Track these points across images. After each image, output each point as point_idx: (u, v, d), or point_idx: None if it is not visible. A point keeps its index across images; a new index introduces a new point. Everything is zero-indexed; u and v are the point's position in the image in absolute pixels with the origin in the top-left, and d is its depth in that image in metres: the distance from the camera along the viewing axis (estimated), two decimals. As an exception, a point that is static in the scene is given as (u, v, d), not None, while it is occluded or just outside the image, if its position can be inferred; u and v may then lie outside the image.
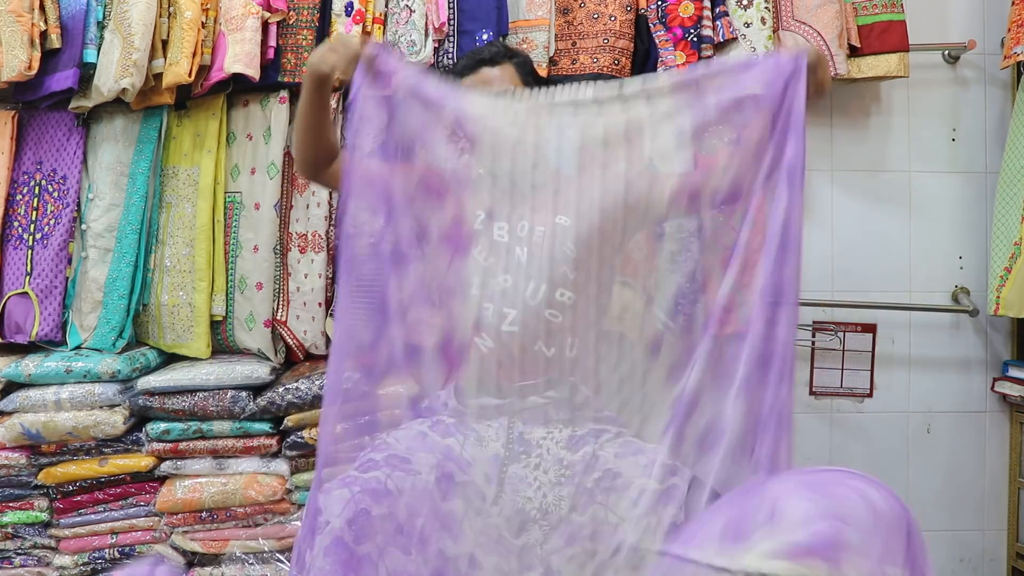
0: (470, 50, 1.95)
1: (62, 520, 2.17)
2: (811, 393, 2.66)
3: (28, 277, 2.33)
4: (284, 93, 2.35)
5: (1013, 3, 2.45)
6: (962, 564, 2.69)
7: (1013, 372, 2.56)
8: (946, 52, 2.67)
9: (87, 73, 2.24)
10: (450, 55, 2.27)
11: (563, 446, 1.61)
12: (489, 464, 1.60)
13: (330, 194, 2.32)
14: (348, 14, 2.28)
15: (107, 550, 2.16)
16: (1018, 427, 2.58)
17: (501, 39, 2.29)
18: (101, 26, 2.23)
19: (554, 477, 1.56)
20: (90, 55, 2.21)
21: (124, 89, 2.19)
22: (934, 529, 2.69)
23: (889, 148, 2.70)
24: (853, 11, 2.46)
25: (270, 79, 2.32)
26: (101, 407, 2.14)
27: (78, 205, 2.37)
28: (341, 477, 1.53)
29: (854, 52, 2.46)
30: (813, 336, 2.63)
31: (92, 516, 2.16)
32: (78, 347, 2.31)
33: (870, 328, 2.65)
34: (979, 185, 2.69)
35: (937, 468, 2.70)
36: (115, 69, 2.18)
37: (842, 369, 2.64)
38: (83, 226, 2.37)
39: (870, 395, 2.64)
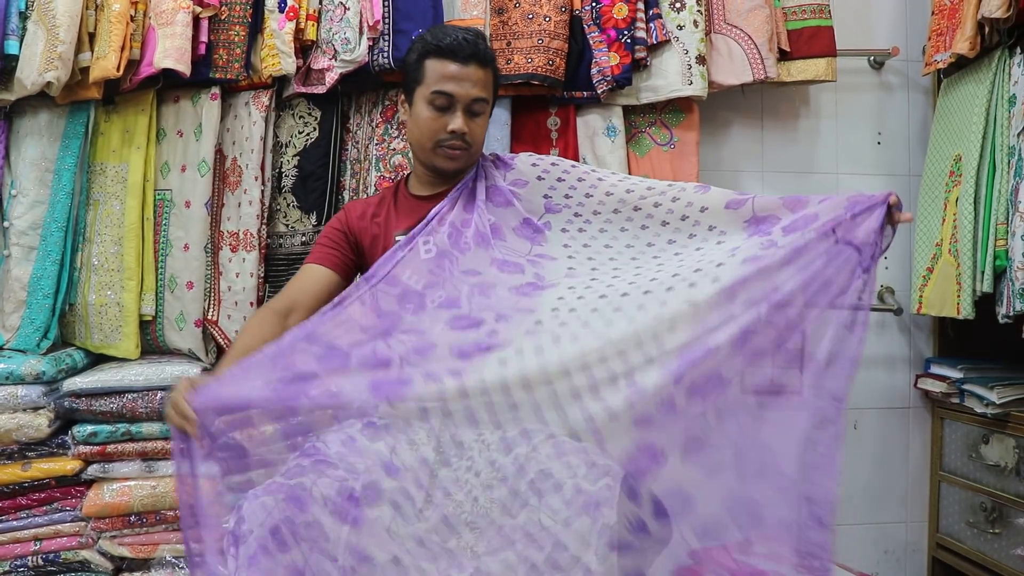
0: (440, 25, 1.94)
1: (-18, 527, 2.10)
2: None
3: (-53, 276, 2.26)
4: (216, 90, 2.31)
5: (933, 13, 2.54)
6: (886, 555, 2.77)
7: (935, 369, 2.64)
8: (871, 58, 2.74)
9: (9, 65, 2.17)
10: (385, 54, 2.26)
11: (495, 448, 1.61)
12: (419, 468, 1.59)
13: (262, 193, 2.30)
14: (281, 10, 2.26)
15: (30, 557, 2.10)
16: (939, 422, 2.66)
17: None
18: (24, 17, 2.17)
19: (486, 480, 1.55)
20: (11, 47, 2.14)
21: (49, 83, 2.13)
22: (860, 522, 2.77)
23: (818, 150, 2.77)
24: (783, 16, 2.52)
25: (201, 75, 2.28)
26: (24, 410, 2.07)
27: (0, 202, 2.31)
28: (267, 483, 1.51)
29: (784, 56, 2.51)
30: (744, 334, 2.68)
31: (14, 523, 2.10)
32: (0, 348, 2.25)
33: (799, 327, 2.70)
34: (903, 187, 2.76)
35: (863, 463, 2.78)
36: (39, 62, 2.12)
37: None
38: (5, 223, 2.30)
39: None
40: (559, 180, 1.78)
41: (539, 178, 1.78)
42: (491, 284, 1.62)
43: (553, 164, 1.81)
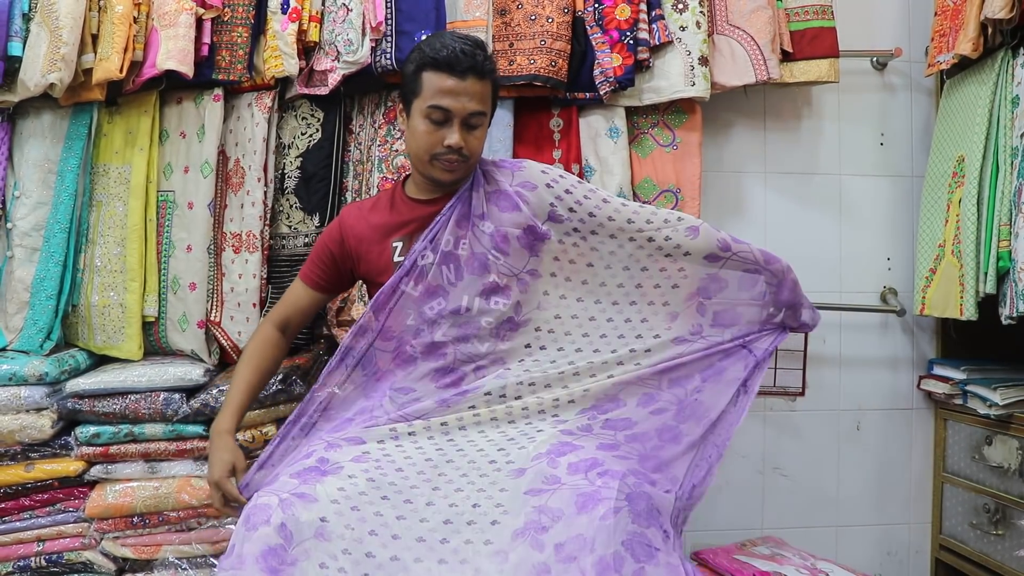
0: (439, 33, 1.88)
1: (-15, 528, 2.10)
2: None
3: (-50, 277, 2.27)
4: (218, 91, 2.31)
5: (936, 14, 2.54)
6: (889, 557, 2.77)
7: (938, 370, 2.64)
8: (874, 59, 2.74)
9: (12, 67, 2.17)
10: (387, 55, 2.26)
11: (496, 447, 1.62)
12: (421, 467, 1.60)
13: (264, 194, 2.30)
14: (284, 11, 2.26)
15: (33, 558, 2.10)
16: (942, 423, 2.66)
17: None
18: (27, 18, 2.17)
19: (488, 479, 1.56)
20: (15, 48, 2.15)
21: (52, 84, 2.13)
22: (863, 524, 2.77)
23: (820, 151, 2.76)
24: (786, 17, 2.52)
25: (204, 76, 2.28)
26: (27, 411, 2.08)
27: (3, 203, 2.31)
28: (270, 481, 1.53)
29: (787, 57, 2.51)
30: (747, 336, 2.68)
31: (17, 524, 2.10)
32: (3, 349, 2.25)
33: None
34: (906, 188, 2.77)
35: (866, 464, 2.77)
36: (42, 63, 2.13)
37: (775, 368, 2.68)
38: (8, 224, 2.30)
39: (802, 394, 2.69)
40: (567, 192, 1.78)
41: (548, 185, 1.78)
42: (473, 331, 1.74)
43: (561, 176, 1.82)
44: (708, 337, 1.76)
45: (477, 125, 1.73)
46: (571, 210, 1.77)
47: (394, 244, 1.81)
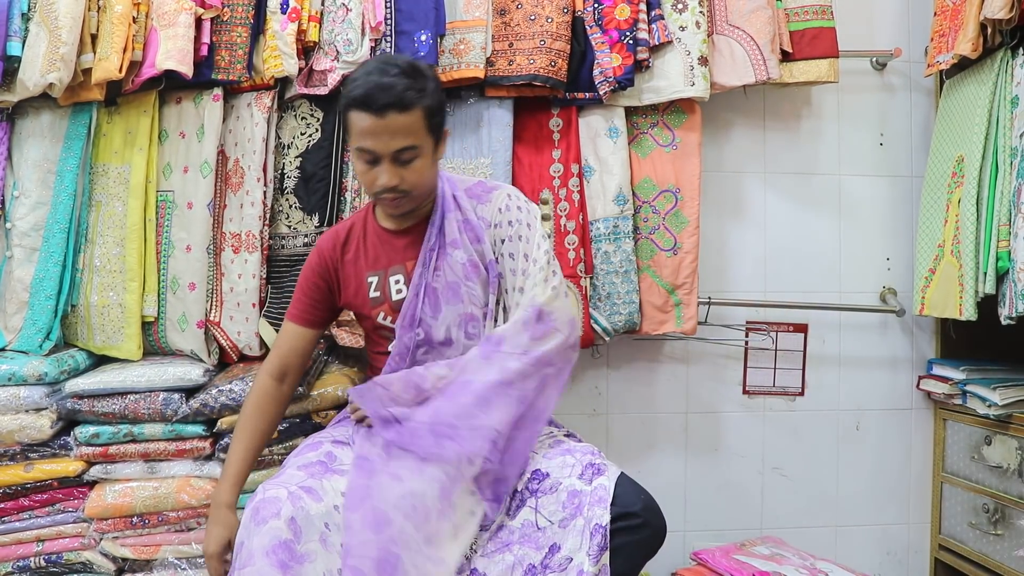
0: (368, 63, 1.67)
1: (-16, 529, 2.10)
2: (744, 392, 2.71)
3: (-51, 277, 2.26)
4: (218, 91, 2.31)
5: (935, 14, 2.54)
6: (888, 556, 2.77)
7: (937, 370, 2.64)
8: (874, 59, 2.74)
9: (11, 67, 2.17)
10: (387, 55, 2.27)
11: None
12: (421, 466, 1.60)
13: (264, 194, 2.30)
14: (283, 11, 2.26)
15: (32, 558, 2.09)
16: (942, 423, 2.66)
17: (424, 56, 2.25)
18: (26, 18, 2.17)
19: None
20: (14, 48, 2.15)
21: (51, 84, 2.13)
22: (862, 524, 2.77)
23: (820, 152, 2.77)
24: (785, 17, 2.52)
25: (203, 76, 2.28)
26: (27, 411, 2.07)
27: (2, 203, 2.31)
28: (277, 475, 1.53)
29: (786, 57, 2.51)
30: (746, 336, 2.69)
31: (17, 524, 2.10)
32: (2, 349, 2.25)
33: (802, 328, 2.71)
34: (905, 189, 2.77)
35: (865, 464, 2.77)
36: (41, 63, 2.12)
37: (774, 368, 2.69)
38: (7, 224, 2.30)
39: (802, 394, 2.70)
40: (508, 240, 1.76)
41: (497, 225, 1.76)
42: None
43: (515, 222, 1.77)
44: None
45: (410, 159, 1.63)
46: (502, 254, 1.76)
47: (368, 280, 1.79)
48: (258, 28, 2.32)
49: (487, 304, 1.73)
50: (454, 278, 1.71)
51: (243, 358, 2.37)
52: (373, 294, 1.78)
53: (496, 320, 1.74)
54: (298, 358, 1.87)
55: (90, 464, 2.11)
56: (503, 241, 1.75)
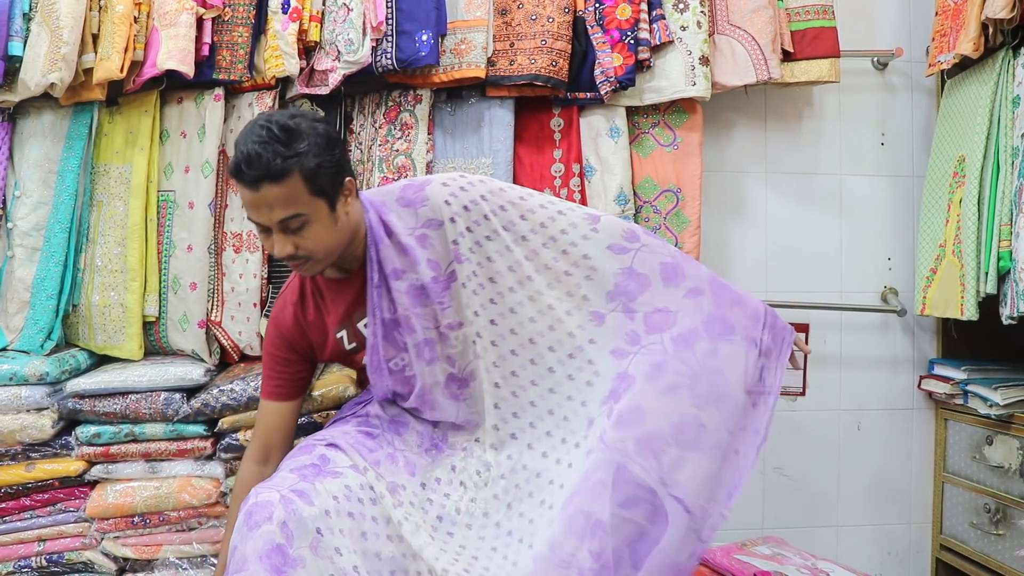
0: (244, 133, 1.47)
1: (-14, 528, 2.10)
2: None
3: (-50, 277, 2.27)
4: (219, 91, 2.31)
5: (937, 13, 2.53)
6: (890, 556, 2.77)
7: (938, 370, 2.64)
8: (875, 59, 2.74)
9: (12, 67, 2.18)
10: (388, 55, 2.26)
11: (489, 446, 1.62)
12: (415, 466, 1.60)
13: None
14: (285, 11, 2.26)
15: (34, 558, 2.10)
16: (943, 423, 2.66)
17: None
18: (27, 18, 2.17)
19: (482, 479, 1.56)
20: (16, 48, 2.15)
21: (52, 84, 2.13)
22: (864, 524, 2.77)
23: (821, 151, 2.76)
24: (787, 17, 2.52)
25: (205, 76, 2.28)
26: (28, 410, 2.07)
27: (4, 203, 2.31)
28: (270, 478, 1.52)
29: (787, 57, 2.51)
30: (748, 335, 2.68)
31: (18, 523, 2.10)
32: (4, 349, 2.25)
33: (803, 328, 2.70)
34: (907, 188, 2.77)
35: (867, 464, 2.77)
36: (43, 63, 2.13)
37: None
38: (9, 224, 2.30)
39: (803, 394, 2.69)
40: (475, 224, 1.62)
41: (452, 220, 1.60)
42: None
43: (471, 204, 1.62)
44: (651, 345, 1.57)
45: (299, 227, 1.49)
46: (477, 244, 1.62)
47: (339, 335, 1.71)
48: (259, 28, 2.32)
49: (438, 324, 1.63)
50: (404, 311, 1.62)
51: (244, 358, 2.37)
52: (349, 346, 1.71)
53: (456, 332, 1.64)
54: (281, 435, 1.76)
55: (91, 464, 2.11)
56: (482, 239, 1.62)
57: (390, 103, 2.40)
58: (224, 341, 2.33)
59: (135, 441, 2.10)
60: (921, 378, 2.71)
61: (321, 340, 1.73)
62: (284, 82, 2.37)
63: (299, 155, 1.44)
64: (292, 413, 1.78)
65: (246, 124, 1.49)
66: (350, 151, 2.43)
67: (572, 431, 1.58)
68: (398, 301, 1.60)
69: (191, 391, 2.15)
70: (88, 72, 2.20)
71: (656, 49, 2.41)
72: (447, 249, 1.60)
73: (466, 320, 1.63)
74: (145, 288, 2.32)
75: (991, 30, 2.29)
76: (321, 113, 2.37)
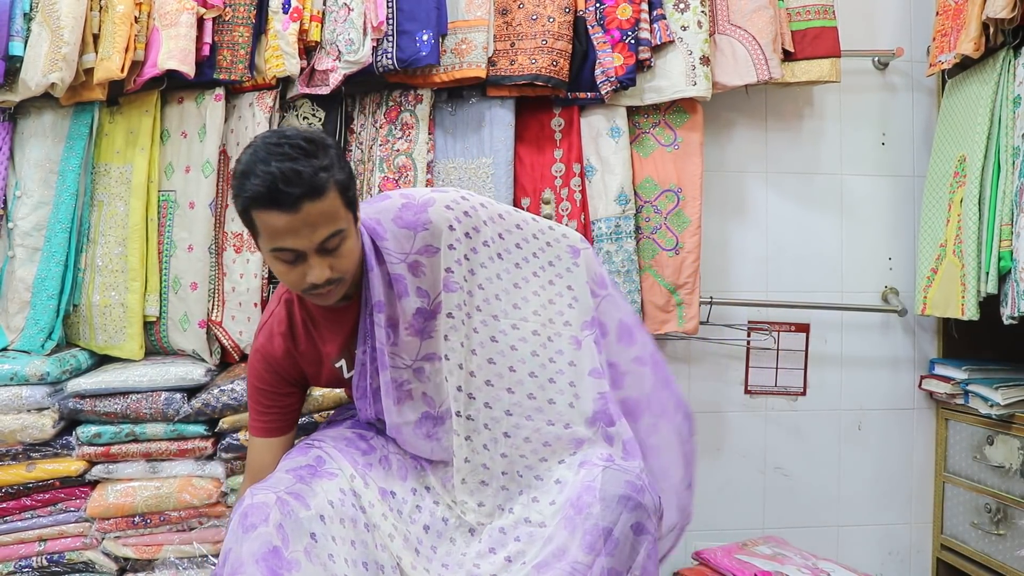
0: (256, 157, 1.36)
1: (-13, 528, 2.10)
2: (746, 392, 2.71)
3: (-49, 277, 2.27)
4: (219, 91, 2.31)
5: (937, 13, 2.53)
6: (891, 556, 2.77)
7: (939, 370, 2.64)
8: (876, 59, 2.74)
9: (13, 67, 2.18)
10: (389, 55, 2.26)
11: (486, 446, 1.61)
12: (407, 470, 1.60)
13: (266, 193, 2.29)
14: (285, 11, 2.26)
15: (35, 558, 2.10)
16: (944, 423, 2.65)
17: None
18: (28, 18, 2.17)
19: (476, 482, 1.56)
20: (16, 48, 2.15)
21: (53, 84, 2.13)
22: (864, 524, 2.76)
23: (821, 151, 2.76)
24: (787, 16, 2.51)
25: (205, 76, 2.28)
26: (29, 410, 2.08)
27: (4, 202, 2.31)
28: (267, 479, 1.51)
29: (788, 57, 2.51)
30: (748, 336, 2.68)
31: (19, 523, 2.10)
32: (4, 349, 2.25)
33: (803, 328, 2.71)
34: (907, 188, 2.77)
35: (867, 464, 2.77)
36: (43, 63, 2.13)
37: (776, 368, 2.69)
38: (9, 224, 2.31)
39: (803, 393, 2.69)
40: (473, 252, 1.58)
41: (451, 247, 1.54)
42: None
43: (473, 230, 1.58)
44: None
45: (337, 245, 1.40)
46: (471, 272, 1.57)
47: (337, 365, 1.64)
48: (260, 28, 2.32)
49: (415, 359, 1.58)
50: (380, 345, 1.54)
51: (245, 358, 2.37)
52: (348, 374, 1.65)
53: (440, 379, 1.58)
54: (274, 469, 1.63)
55: (92, 464, 2.11)
56: (477, 267, 1.58)
57: (391, 103, 2.41)
58: (225, 341, 2.33)
59: (136, 441, 2.10)
60: (922, 378, 2.71)
61: (315, 370, 1.66)
62: (285, 82, 2.37)
63: (330, 167, 1.36)
64: (285, 447, 1.68)
65: (246, 150, 1.39)
66: (351, 151, 2.43)
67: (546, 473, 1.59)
68: (377, 336, 1.54)
69: (192, 391, 2.16)
70: (89, 72, 2.20)
71: (657, 49, 2.41)
72: (438, 278, 1.54)
73: (445, 351, 1.56)
74: (146, 288, 2.32)
75: (992, 30, 2.29)
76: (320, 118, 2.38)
